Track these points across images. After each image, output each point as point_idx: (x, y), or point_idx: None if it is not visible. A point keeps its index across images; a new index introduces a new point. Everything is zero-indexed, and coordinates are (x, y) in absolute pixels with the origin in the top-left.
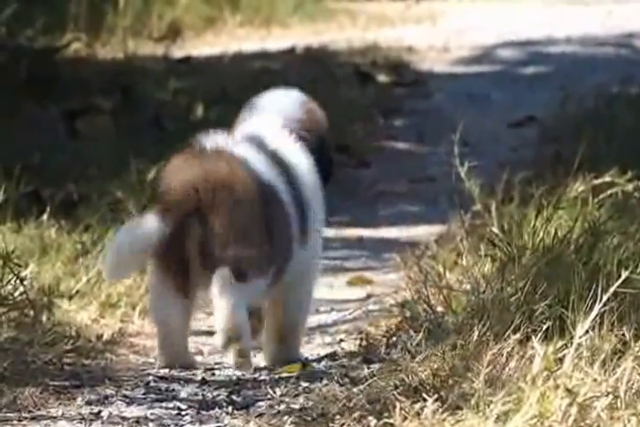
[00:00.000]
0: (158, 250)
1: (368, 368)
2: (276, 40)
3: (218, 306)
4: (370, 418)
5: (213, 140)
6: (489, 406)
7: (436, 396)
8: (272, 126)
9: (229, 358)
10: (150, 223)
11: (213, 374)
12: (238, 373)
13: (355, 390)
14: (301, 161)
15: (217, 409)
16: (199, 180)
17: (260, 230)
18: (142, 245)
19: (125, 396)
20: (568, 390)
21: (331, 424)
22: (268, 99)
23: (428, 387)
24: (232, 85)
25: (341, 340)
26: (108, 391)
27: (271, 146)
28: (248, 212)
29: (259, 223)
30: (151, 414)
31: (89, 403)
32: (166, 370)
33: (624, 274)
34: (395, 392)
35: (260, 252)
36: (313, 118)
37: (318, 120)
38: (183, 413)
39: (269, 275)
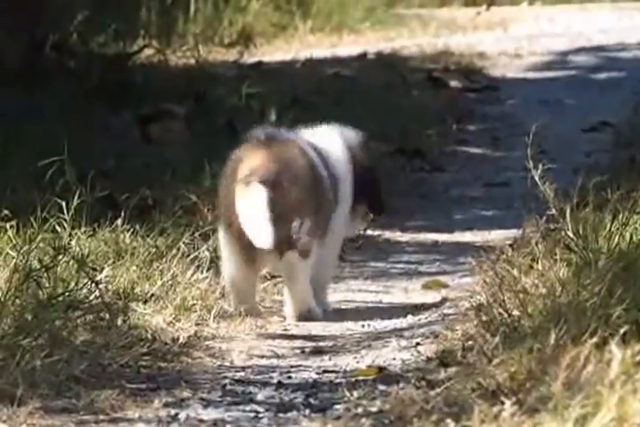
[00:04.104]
0: (233, 221)
1: (445, 372)
2: (347, 46)
3: (288, 285)
4: (448, 421)
5: (272, 132)
6: (567, 410)
7: (513, 399)
8: (329, 136)
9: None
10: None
11: (290, 377)
12: (315, 375)
13: (432, 393)
14: (341, 160)
15: (294, 412)
16: (268, 161)
17: (316, 208)
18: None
19: (202, 399)
20: None
21: None
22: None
23: (505, 390)
24: (303, 91)
25: (417, 343)
26: (185, 394)
27: (322, 146)
28: (309, 192)
29: (316, 202)
30: (228, 416)
31: (166, 405)
32: (242, 373)
33: None
34: (472, 395)
35: (316, 229)
36: (363, 153)
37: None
38: (260, 415)
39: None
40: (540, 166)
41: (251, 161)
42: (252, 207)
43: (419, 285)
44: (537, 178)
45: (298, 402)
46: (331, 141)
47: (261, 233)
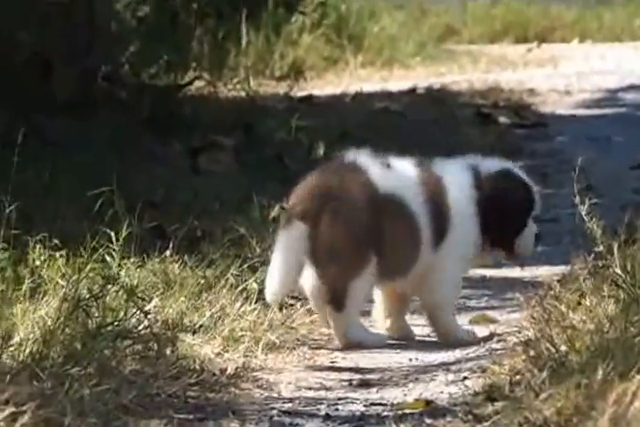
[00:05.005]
0: None
1: (492, 406)
2: (398, 81)
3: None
4: None
5: (351, 156)
6: None
7: None
8: (453, 167)
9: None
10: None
11: (337, 409)
12: (362, 408)
13: None
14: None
15: None
16: (313, 189)
17: (362, 244)
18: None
19: None
20: None
21: None
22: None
23: (552, 425)
24: (353, 125)
25: (465, 377)
26: (233, 425)
27: (433, 177)
28: (350, 226)
29: (378, 240)
30: None
31: None
32: (290, 404)
33: None
34: None
35: (355, 270)
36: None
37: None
38: None
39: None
40: (588, 202)
41: (299, 189)
42: (278, 248)
43: (467, 319)
44: (584, 214)
45: None
46: (452, 173)
47: (269, 285)
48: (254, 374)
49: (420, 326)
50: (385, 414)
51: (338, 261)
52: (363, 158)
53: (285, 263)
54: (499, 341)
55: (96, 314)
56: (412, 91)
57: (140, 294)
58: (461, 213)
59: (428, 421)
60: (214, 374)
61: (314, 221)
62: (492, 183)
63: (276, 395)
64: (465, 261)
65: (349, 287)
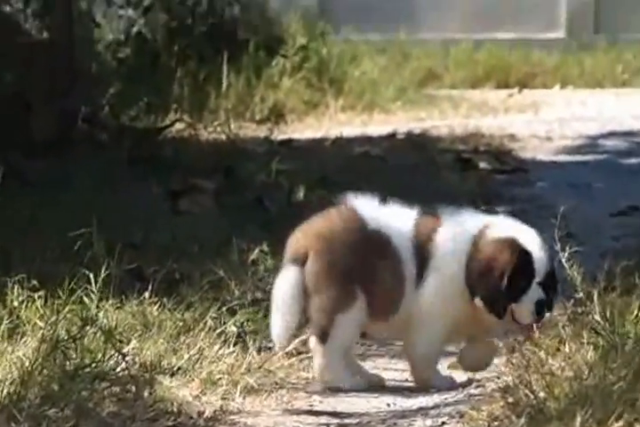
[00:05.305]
0: None
1: None
2: (378, 125)
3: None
4: None
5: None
6: None
7: None
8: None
9: None
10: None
11: None
12: None
13: None
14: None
15: None
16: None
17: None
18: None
19: None
20: None
21: None
22: None
23: None
24: (333, 169)
25: (443, 422)
26: None
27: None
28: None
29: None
30: None
31: None
32: None
33: None
34: None
35: (340, 304)
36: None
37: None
38: None
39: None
40: (568, 249)
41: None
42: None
43: (445, 364)
44: (564, 261)
45: None
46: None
47: (273, 330)
48: (232, 417)
49: (399, 371)
50: None
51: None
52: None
53: (284, 306)
54: (477, 386)
55: (74, 355)
56: (393, 135)
57: (118, 336)
58: (443, 270)
59: None
60: (192, 418)
61: (304, 261)
62: (486, 249)
63: None
64: (448, 316)
65: (336, 320)
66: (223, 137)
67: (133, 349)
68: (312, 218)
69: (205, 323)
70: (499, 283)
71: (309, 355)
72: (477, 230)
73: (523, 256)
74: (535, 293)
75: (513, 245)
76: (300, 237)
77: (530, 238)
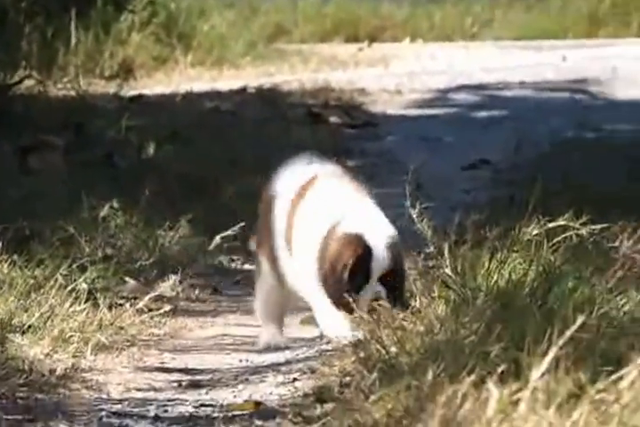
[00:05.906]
0: None
1: (322, 408)
2: (228, 80)
3: None
4: None
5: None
6: None
7: None
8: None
9: None
10: None
11: (166, 411)
12: (191, 409)
13: None
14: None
15: None
16: None
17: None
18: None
19: None
20: None
21: None
22: None
23: None
24: (183, 124)
25: (295, 379)
26: (61, 426)
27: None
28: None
29: None
30: None
31: None
32: (119, 406)
33: (579, 318)
34: None
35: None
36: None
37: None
38: None
39: None
40: (418, 204)
41: None
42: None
43: (296, 320)
44: (415, 215)
45: None
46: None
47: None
48: (83, 374)
49: (250, 327)
50: (214, 415)
51: None
52: None
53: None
54: (328, 342)
55: None
56: (243, 90)
57: None
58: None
59: (258, 422)
60: (43, 375)
61: None
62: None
63: (105, 396)
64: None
65: None
66: (73, 93)
67: None
68: None
69: (56, 280)
70: (340, 277)
71: (160, 312)
72: (330, 225)
73: (364, 253)
74: (372, 289)
75: (358, 242)
76: None
77: (377, 235)
